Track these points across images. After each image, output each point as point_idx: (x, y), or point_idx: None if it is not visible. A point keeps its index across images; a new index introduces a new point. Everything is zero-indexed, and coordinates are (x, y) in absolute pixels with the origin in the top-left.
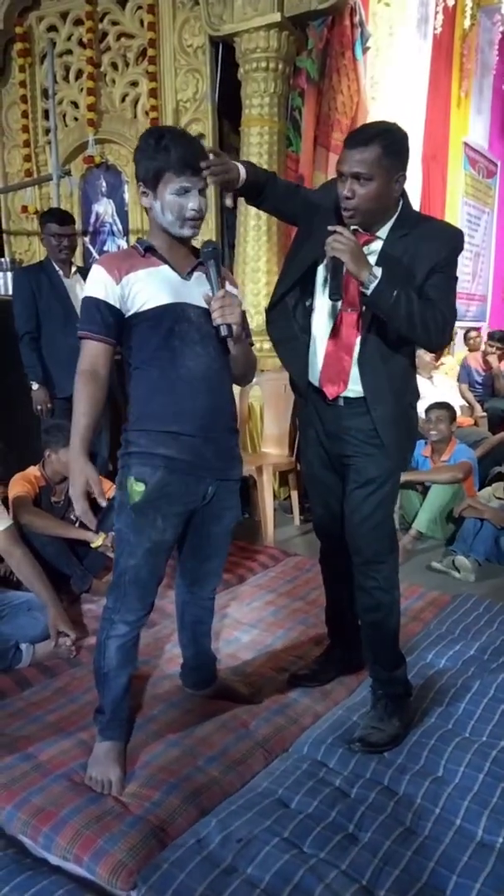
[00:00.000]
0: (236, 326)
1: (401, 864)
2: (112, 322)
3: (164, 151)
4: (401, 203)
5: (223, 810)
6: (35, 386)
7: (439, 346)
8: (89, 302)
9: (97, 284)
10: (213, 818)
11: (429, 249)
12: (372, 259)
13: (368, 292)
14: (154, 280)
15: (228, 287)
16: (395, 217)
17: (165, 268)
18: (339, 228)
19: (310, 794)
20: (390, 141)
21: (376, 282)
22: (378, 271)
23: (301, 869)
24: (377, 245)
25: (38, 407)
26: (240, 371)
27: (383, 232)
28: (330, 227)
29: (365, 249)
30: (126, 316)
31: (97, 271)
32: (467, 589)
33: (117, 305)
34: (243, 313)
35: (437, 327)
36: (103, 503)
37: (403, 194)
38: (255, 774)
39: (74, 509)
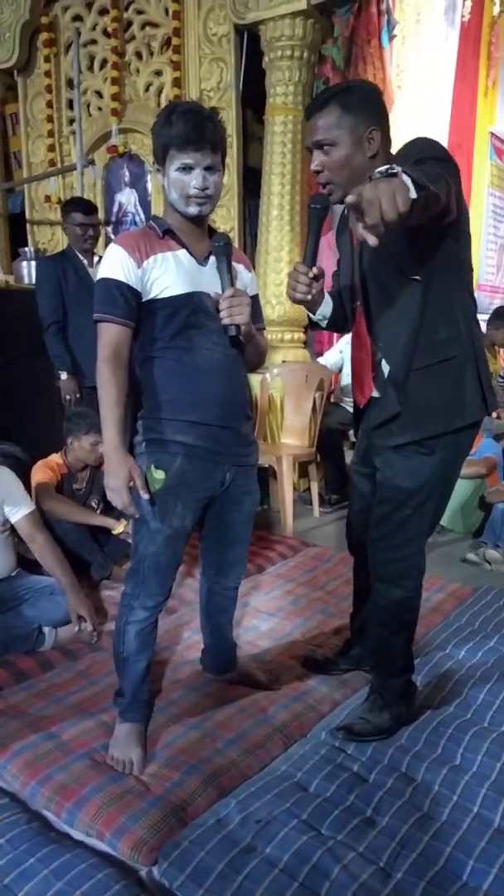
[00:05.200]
0: (244, 326)
1: (418, 848)
2: (134, 305)
3: (169, 126)
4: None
5: (242, 792)
6: (64, 375)
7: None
8: (109, 284)
9: (117, 266)
10: (233, 799)
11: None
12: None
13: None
14: (173, 266)
15: (244, 273)
16: None
17: (183, 252)
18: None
19: (328, 778)
20: (348, 98)
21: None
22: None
23: (319, 850)
24: None
25: (67, 397)
26: (250, 360)
27: None
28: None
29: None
30: (142, 301)
31: (117, 252)
32: (499, 580)
33: (138, 289)
34: (256, 302)
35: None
36: (146, 496)
37: (389, 154)
38: (273, 758)
39: (113, 502)
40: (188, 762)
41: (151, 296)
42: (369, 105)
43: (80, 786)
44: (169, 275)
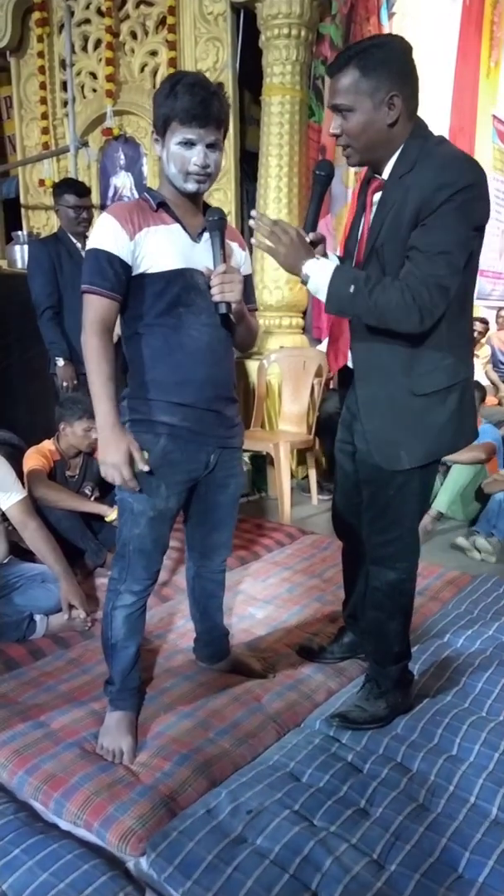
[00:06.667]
0: (235, 304)
1: (413, 840)
2: (123, 279)
3: (174, 98)
4: (409, 130)
5: (234, 782)
6: (61, 362)
7: (414, 330)
8: (99, 255)
9: (108, 236)
10: (224, 789)
11: (416, 189)
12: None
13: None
14: (166, 240)
15: (237, 251)
16: (398, 151)
17: (177, 227)
18: (268, 222)
19: (322, 768)
20: (369, 59)
21: (309, 279)
22: (309, 267)
23: (311, 841)
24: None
25: (65, 383)
26: (241, 341)
27: (387, 172)
28: (263, 219)
29: (376, 197)
30: (132, 275)
31: (109, 222)
32: (488, 570)
33: (129, 261)
34: (250, 281)
35: (399, 312)
36: (146, 468)
37: (415, 119)
38: (266, 748)
39: (111, 479)
40: (179, 751)
41: (142, 270)
42: (392, 67)
43: (69, 775)
44: (161, 249)
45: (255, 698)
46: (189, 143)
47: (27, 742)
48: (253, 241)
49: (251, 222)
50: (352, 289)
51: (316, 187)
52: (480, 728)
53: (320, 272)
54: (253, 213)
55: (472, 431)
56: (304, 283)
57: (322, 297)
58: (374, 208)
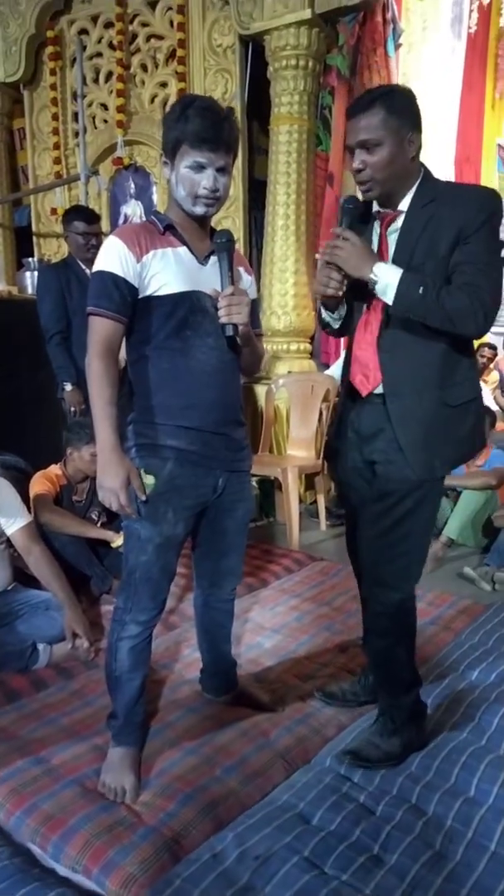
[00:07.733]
0: (242, 327)
1: (430, 892)
2: (129, 301)
3: (185, 121)
4: (422, 170)
5: (241, 824)
6: (69, 387)
7: (477, 333)
8: (105, 277)
9: (115, 259)
10: (230, 832)
11: (454, 213)
12: (395, 237)
13: (375, 292)
14: (173, 263)
15: (244, 276)
16: (416, 184)
17: (184, 250)
18: (339, 230)
19: (332, 809)
20: (393, 101)
21: (377, 281)
22: (379, 269)
23: (322, 891)
24: (401, 221)
25: (72, 408)
26: (247, 365)
27: (405, 204)
28: (335, 230)
29: (391, 227)
30: (138, 297)
31: (115, 244)
32: (501, 599)
33: (135, 284)
34: (255, 306)
35: (467, 315)
36: (143, 497)
37: (423, 164)
38: (275, 787)
39: (109, 503)
40: (184, 790)
41: (148, 292)
42: (411, 108)
43: (68, 816)
44: (168, 271)
45: (263, 733)
46: (199, 167)
47: (25, 779)
48: (317, 255)
49: (317, 256)
50: (421, 290)
51: (345, 220)
52: (498, 768)
53: (389, 273)
54: (336, 229)
55: (483, 441)
56: (372, 286)
57: (389, 297)
58: (395, 236)
